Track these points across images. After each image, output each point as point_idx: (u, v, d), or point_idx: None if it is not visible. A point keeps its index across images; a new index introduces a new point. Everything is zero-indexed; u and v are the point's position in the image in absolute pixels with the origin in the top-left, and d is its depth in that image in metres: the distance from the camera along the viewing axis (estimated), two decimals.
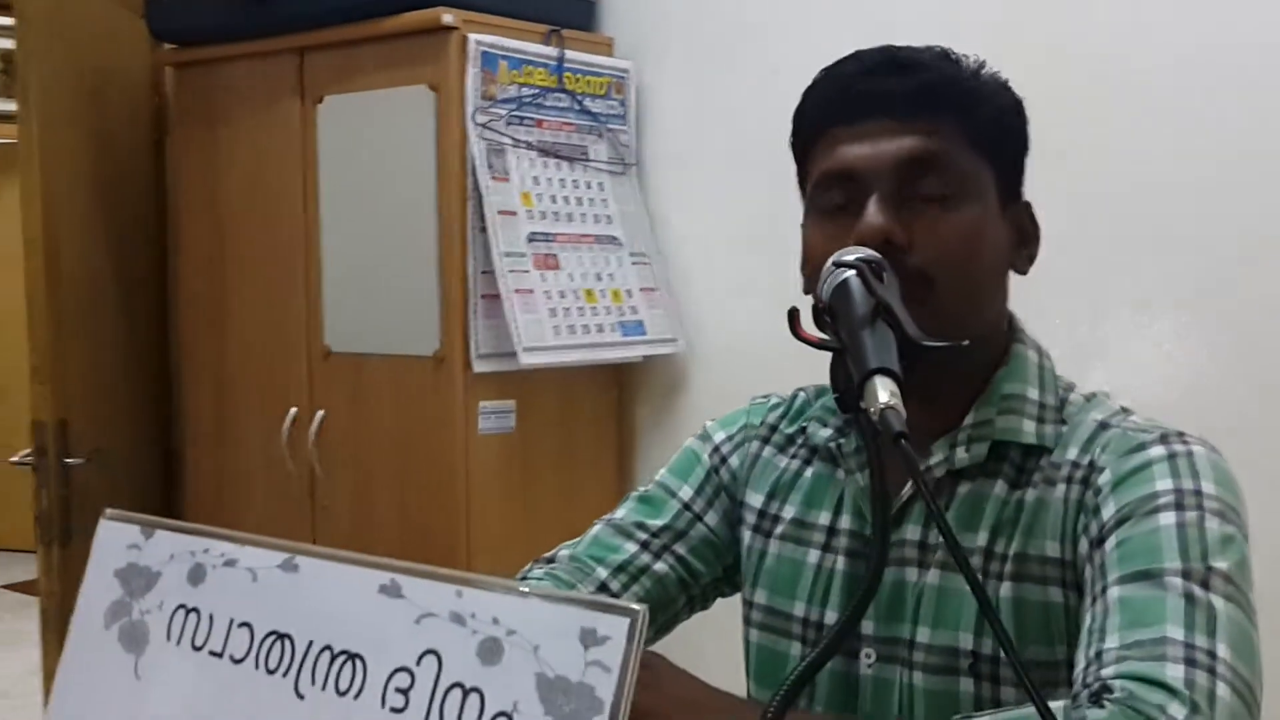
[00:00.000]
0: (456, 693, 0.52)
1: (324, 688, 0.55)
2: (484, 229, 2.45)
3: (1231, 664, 0.82)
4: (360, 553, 0.57)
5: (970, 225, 0.98)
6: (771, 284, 2.55)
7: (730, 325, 2.60)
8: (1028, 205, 1.03)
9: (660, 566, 1.12)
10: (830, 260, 0.92)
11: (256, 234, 2.90)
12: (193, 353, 3.12)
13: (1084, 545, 0.95)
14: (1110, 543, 0.92)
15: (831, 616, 1.05)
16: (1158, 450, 0.95)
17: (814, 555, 1.09)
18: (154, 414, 3.23)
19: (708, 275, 2.68)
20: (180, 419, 3.15)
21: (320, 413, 2.78)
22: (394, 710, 0.53)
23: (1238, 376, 2.02)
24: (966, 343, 0.89)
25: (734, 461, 1.17)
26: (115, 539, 0.65)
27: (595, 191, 2.62)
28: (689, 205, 2.69)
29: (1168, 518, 0.91)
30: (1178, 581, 0.87)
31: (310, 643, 0.56)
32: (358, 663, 0.55)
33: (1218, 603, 0.86)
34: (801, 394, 1.18)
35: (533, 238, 2.44)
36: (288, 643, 0.57)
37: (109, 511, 0.67)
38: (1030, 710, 0.82)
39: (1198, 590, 0.86)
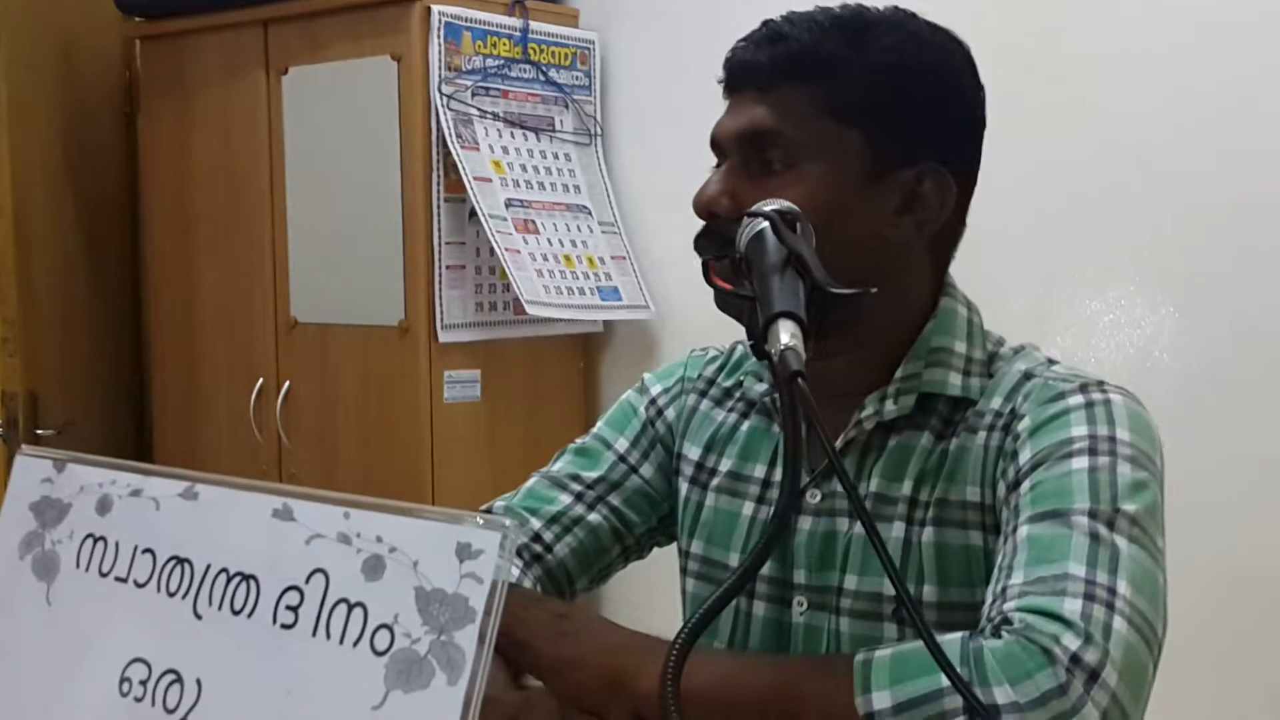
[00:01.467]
0: (342, 608, 0.54)
1: (220, 608, 0.57)
2: (449, 199, 2.46)
3: (1131, 600, 0.84)
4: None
5: (804, 191, 0.99)
6: None
7: (696, 294, 2.62)
8: (934, 170, 1.02)
9: (594, 517, 1.15)
10: (746, 212, 0.94)
11: (223, 206, 2.90)
12: (162, 324, 3.13)
13: (1002, 489, 0.98)
14: (1025, 485, 0.94)
15: (767, 565, 1.07)
16: (1076, 399, 0.98)
17: (749, 507, 1.11)
18: (124, 386, 3.24)
19: (674, 244, 2.70)
20: (150, 390, 3.16)
21: (287, 383, 2.80)
22: (284, 626, 0.55)
23: (1183, 344, 2.05)
24: (874, 290, 0.91)
25: (670, 414, 1.19)
26: (30, 473, 0.67)
27: (563, 162, 2.63)
28: (654, 175, 2.71)
29: (1080, 462, 0.93)
30: (1084, 521, 0.89)
31: (208, 566, 0.58)
32: (251, 583, 0.57)
33: (1121, 543, 0.88)
34: (740, 347, 1.20)
35: (510, 203, 2.46)
36: (187, 567, 0.59)
37: (25, 448, 0.69)
38: (941, 637, 0.85)
39: (1103, 530, 0.88)
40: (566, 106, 2.68)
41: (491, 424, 2.64)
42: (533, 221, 2.49)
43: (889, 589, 1.01)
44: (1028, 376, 1.03)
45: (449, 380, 2.59)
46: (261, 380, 2.85)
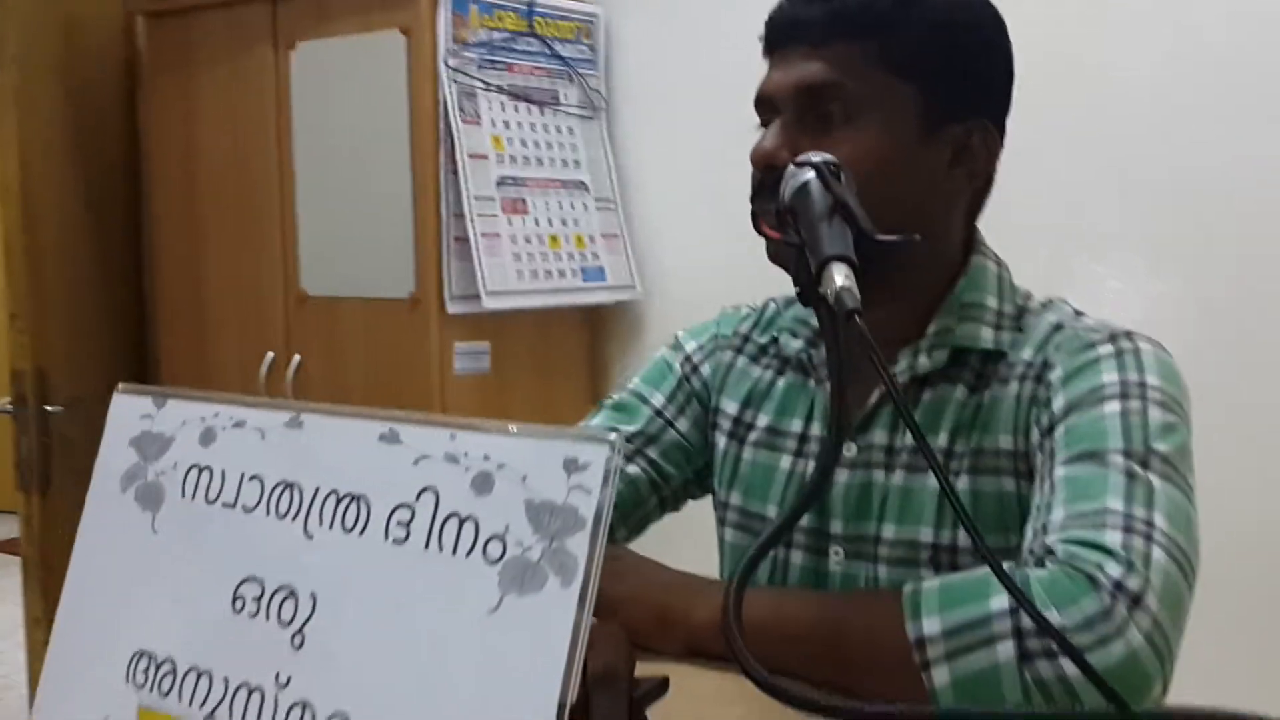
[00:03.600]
0: (453, 522, 0.57)
1: (331, 527, 0.61)
2: (455, 172, 2.49)
3: (1167, 532, 0.89)
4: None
5: (867, 148, 1.03)
6: (733, 230, 2.61)
7: (691, 271, 2.66)
8: (982, 125, 1.07)
9: (633, 469, 1.18)
10: (791, 163, 0.97)
11: (232, 181, 2.93)
12: (170, 300, 3.15)
13: (1035, 435, 1.02)
14: (1059, 430, 0.99)
15: (804, 517, 1.11)
16: (1106, 348, 1.02)
17: (786, 461, 1.15)
18: (132, 361, 3.26)
19: (671, 220, 2.73)
20: (157, 366, 3.19)
21: (297, 356, 2.83)
22: (396, 541, 0.59)
23: (1185, 314, 2.10)
24: (919, 237, 0.95)
25: (705, 370, 1.23)
26: (129, 410, 0.70)
27: (565, 136, 2.66)
28: (655, 150, 2.75)
29: (1112, 406, 0.98)
30: (1120, 460, 0.93)
31: (317, 489, 0.62)
32: (361, 503, 0.60)
33: (1156, 481, 0.92)
34: (771, 304, 1.24)
35: (502, 181, 2.49)
36: (296, 490, 0.62)
37: (122, 386, 0.72)
38: (978, 570, 0.89)
39: (1138, 468, 0.93)
40: (571, 80, 2.71)
41: (501, 396, 2.68)
42: (523, 200, 2.52)
43: (925, 536, 1.05)
44: (1057, 328, 1.07)
45: (459, 352, 2.63)
46: (272, 354, 2.88)
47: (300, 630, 0.60)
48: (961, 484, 1.04)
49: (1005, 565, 0.87)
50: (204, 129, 2.97)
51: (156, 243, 3.18)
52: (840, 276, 0.85)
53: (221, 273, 3.02)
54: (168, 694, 0.64)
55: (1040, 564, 0.88)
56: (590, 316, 2.84)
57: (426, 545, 0.58)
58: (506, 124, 2.54)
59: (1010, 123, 1.11)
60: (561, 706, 0.52)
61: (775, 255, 1.04)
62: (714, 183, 2.62)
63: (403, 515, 0.59)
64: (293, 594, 0.61)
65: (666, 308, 2.72)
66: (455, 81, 2.49)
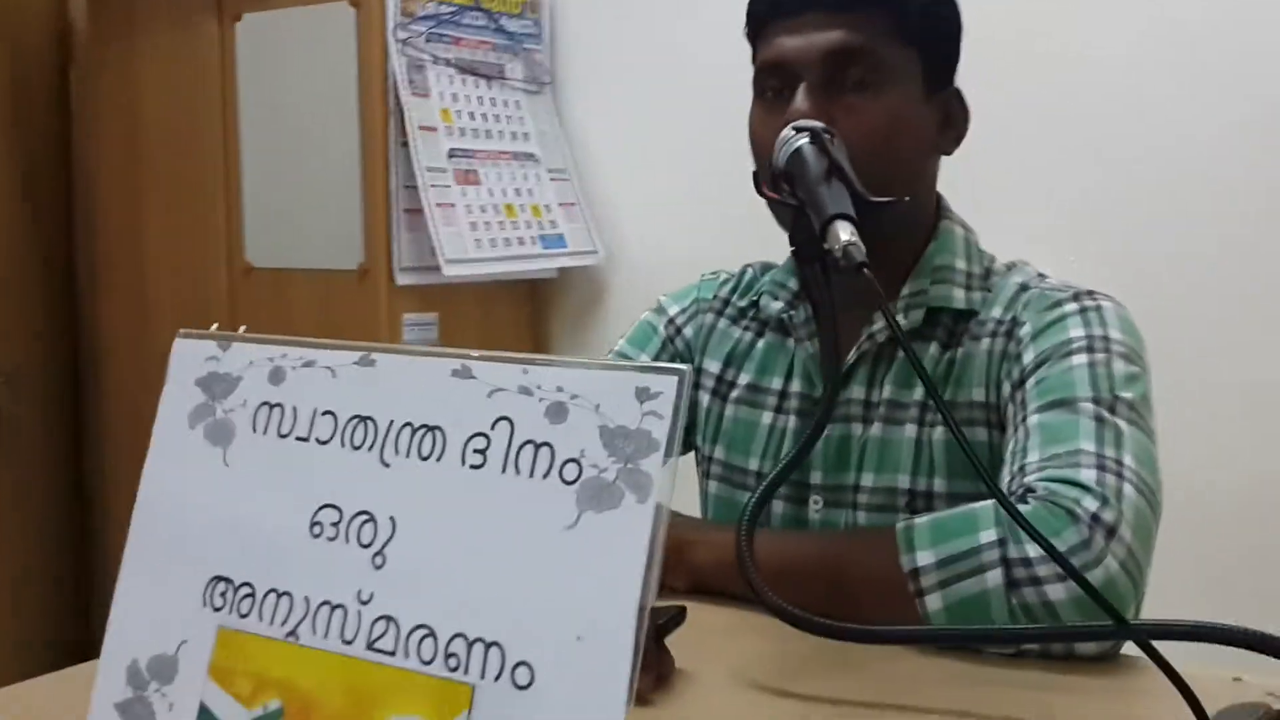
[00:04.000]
0: (529, 448, 0.62)
1: (407, 455, 0.66)
2: (405, 144, 2.52)
3: (1136, 470, 0.97)
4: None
5: (891, 110, 1.10)
6: (688, 198, 2.67)
7: (649, 239, 2.72)
8: (957, 91, 1.16)
9: None
10: (787, 128, 1.04)
11: (174, 153, 2.92)
12: (109, 272, 3.14)
13: (1007, 388, 1.10)
14: (1030, 382, 1.07)
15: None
16: (1071, 305, 1.11)
17: (767, 417, 1.22)
18: (68, 333, 3.24)
19: (625, 191, 2.78)
20: (95, 337, 3.17)
21: (243, 328, 2.83)
22: (473, 467, 0.64)
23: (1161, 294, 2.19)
24: (908, 199, 1.02)
25: (688, 332, 1.30)
26: (192, 354, 0.75)
27: (512, 109, 2.70)
28: (605, 123, 2.79)
29: (1080, 359, 1.06)
30: (1089, 406, 1.01)
31: (391, 421, 0.66)
32: (436, 433, 0.65)
33: (1123, 424, 1.01)
34: (749, 270, 1.31)
35: (453, 153, 2.52)
36: (370, 424, 0.67)
37: (183, 331, 0.76)
38: (971, 505, 0.97)
39: (1106, 414, 1.01)
40: (516, 55, 2.74)
41: None
42: (475, 172, 2.56)
43: (903, 483, 1.12)
44: (1024, 288, 1.15)
45: (407, 324, 2.66)
46: (215, 326, 2.86)
47: (380, 551, 0.65)
48: (937, 435, 1.12)
49: (988, 504, 0.95)
50: (145, 101, 2.96)
51: (95, 215, 3.17)
52: (845, 233, 0.91)
53: (163, 245, 3.01)
54: (247, 615, 0.68)
55: (1023, 500, 0.95)
56: (537, 289, 2.88)
57: (503, 470, 0.63)
58: (455, 97, 2.58)
59: (985, 101, 1.18)
60: (641, 609, 0.58)
61: (776, 217, 1.10)
62: (664, 154, 2.67)
63: (478, 444, 0.64)
64: (371, 518, 0.66)
65: (622, 276, 2.77)
66: (404, 55, 2.51)
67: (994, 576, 0.92)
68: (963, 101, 1.17)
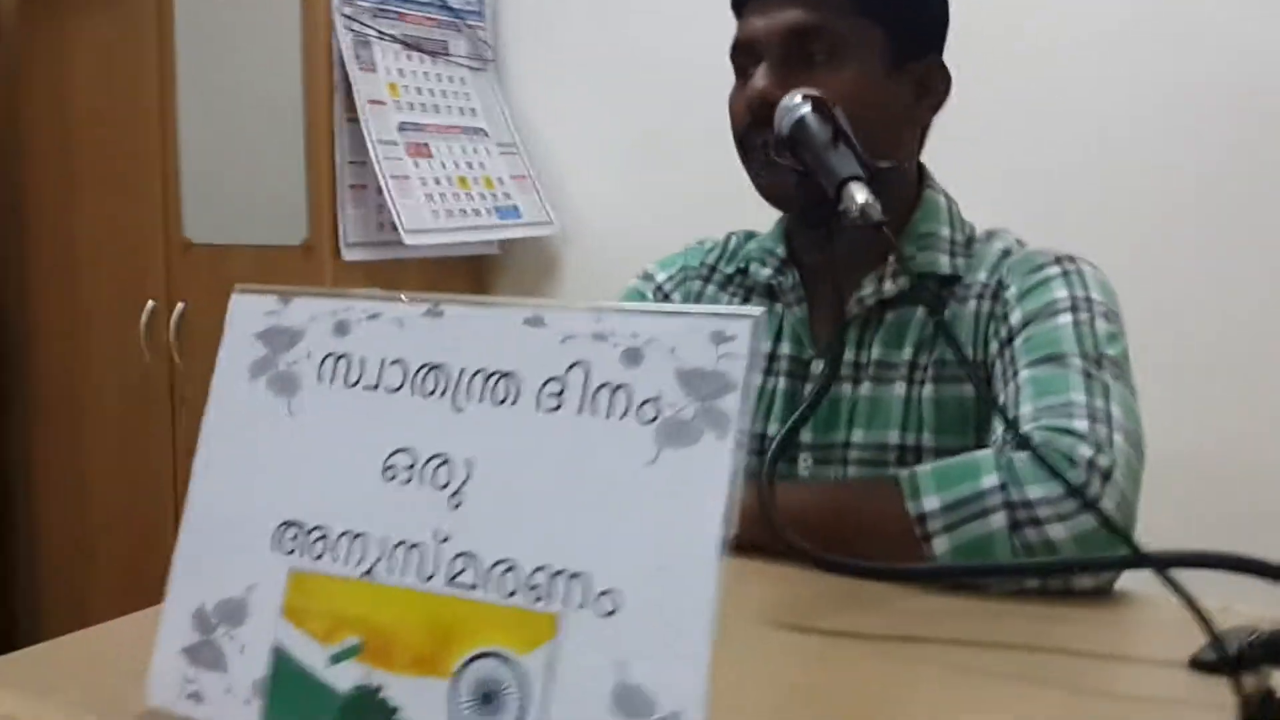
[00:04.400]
0: (605, 391, 0.66)
1: (481, 400, 0.68)
2: (351, 119, 2.52)
3: (1123, 421, 1.03)
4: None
5: (850, 83, 1.15)
6: (637, 169, 2.71)
7: (596, 213, 2.75)
8: (938, 61, 1.21)
9: None
10: (788, 96, 1.08)
11: (108, 127, 2.89)
12: (38, 253, 3.09)
13: (994, 346, 1.16)
14: (1018, 340, 1.13)
15: (774, 428, 1.23)
16: (1054, 269, 1.17)
17: (756, 379, 1.26)
18: None
19: (571, 165, 2.81)
20: (23, 311, 3.12)
21: (180, 305, 2.82)
22: (549, 410, 0.67)
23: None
24: (905, 165, 1.07)
25: (676, 298, 1.34)
26: (251, 308, 0.77)
27: (458, 85, 2.72)
28: (550, 98, 2.82)
29: (1065, 318, 1.12)
30: (1078, 362, 1.07)
31: (462, 369, 0.69)
32: (510, 379, 0.68)
33: (1109, 379, 1.07)
34: (734, 237, 1.35)
35: (403, 126, 2.53)
36: (441, 372, 0.70)
37: (239, 286, 0.78)
38: (971, 454, 1.02)
39: (1093, 369, 1.07)
40: (460, 31, 2.75)
41: None
42: (426, 145, 2.57)
43: (893, 439, 1.18)
44: (1006, 253, 1.21)
45: None
46: (152, 303, 2.86)
47: (457, 492, 0.68)
48: (926, 392, 1.17)
49: (988, 452, 1.00)
50: (77, 75, 2.93)
51: (23, 193, 3.12)
52: (861, 194, 0.96)
53: (96, 220, 2.98)
54: (320, 557, 0.71)
55: (1020, 447, 1.01)
56: (483, 265, 2.90)
57: (579, 412, 0.66)
58: (401, 72, 2.59)
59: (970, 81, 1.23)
60: (723, 540, 0.62)
61: (771, 184, 1.14)
62: (613, 128, 2.70)
63: (553, 388, 0.67)
64: (447, 461, 0.69)
65: (575, 248, 2.80)
66: (349, 30, 2.52)
67: (998, 519, 0.97)
68: (944, 71, 1.22)
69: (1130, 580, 0.98)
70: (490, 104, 2.76)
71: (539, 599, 0.65)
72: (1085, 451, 0.99)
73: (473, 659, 0.66)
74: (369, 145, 2.44)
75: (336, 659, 0.69)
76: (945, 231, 1.23)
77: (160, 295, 2.83)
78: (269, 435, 0.74)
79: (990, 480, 0.99)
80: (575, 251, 2.82)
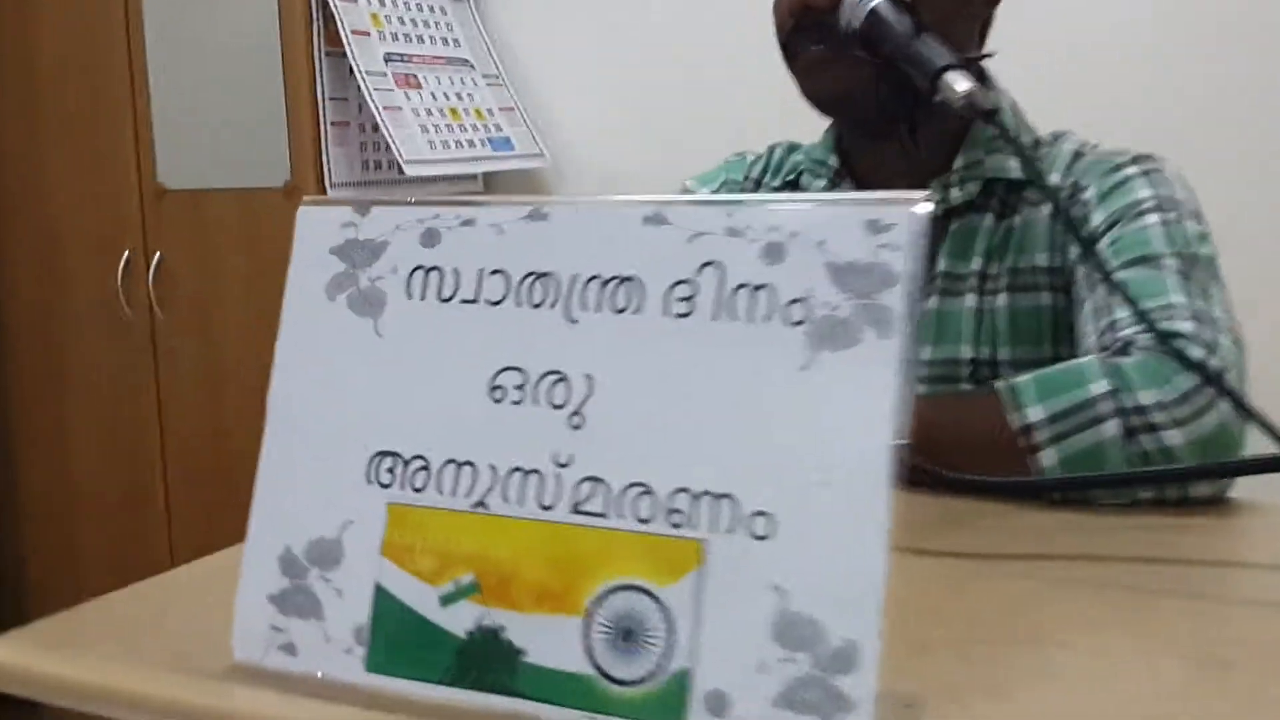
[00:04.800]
0: (744, 292, 0.59)
1: (598, 310, 0.62)
2: (331, 52, 2.43)
3: (1227, 322, 0.98)
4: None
5: None
6: (623, 98, 2.63)
7: (585, 144, 2.67)
8: None
9: None
10: None
11: (75, 69, 2.78)
12: (6, 200, 2.99)
13: (1074, 252, 1.10)
14: (1104, 242, 1.07)
15: None
16: (1133, 168, 1.12)
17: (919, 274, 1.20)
18: None
19: (562, 93, 2.73)
20: None
21: (158, 254, 2.72)
22: (678, 316, 0.60)
23: None
24: (988, 56, 1.01)
25: None
26: (324, 221, 0.70)
27: (439, 15, 2.62)
28: (531, 27, 2.73)
29: (1153, 218, 1.07)
30: (1172, 262, 1.02)
31: (574, 276, 0.63)
32: (632, 284, 0.61)
33: (1206, 280, 1.02)
34: (777, 149, 1.29)
35: (389, 58, 2.44)
36: (550, 280, 0.63)
37: (307, 199, 0.71)
38: (1072, 360, 0.96)
39: (1190, 269, 1.02)
40: None
41: None
42: (414, 76, 2.48)
43: (965, 354, 1.13)
44: (1078, 155, 1.16)
45: None
46: (128, 253, 2.76)
47: (578, 411, 0.62)
48: (1000, 302, 1.12)
49: (1092, 359, 0.95)
50: (41, 17, 2.81)
51: None
52: (962, 82, 0.90)
53: (66, 169, 2.88)
54: (422, 489, 0.64)
55: (1123, 353, 0.95)
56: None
57: (715, 316, 0.60)
58: (382, 1, 2.49)
59: None
60: (892, 448, 0.56)
61: (834, 85, 1.07)
62: (599, 53, 2.63)
63: (683, 291, 0.61)
64: (563, 378, 0.62)
65: (568, 178, 2.72)
66: None
67: (1110, 427, 0.92)
68: None
69: (1241, 487, 0.93)
70: (472, 34, 2.67)
71: (680, 524, 0.59)
72: (1196, 352, 0.93)
73: (607, 593, 0.60)
74: (358, 76, 2.35)
75: (449, 599, 0.63)
76: (1012, 134, 1.17)
77: (137, 245, 2.73)
78: (354, 359, 0.67)
79: (1099, 386, 0.93)
80: (561, 184, 2.74)
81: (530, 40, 2.75)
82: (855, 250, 0.58)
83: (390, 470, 0.65)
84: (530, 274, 0.64)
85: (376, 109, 2.35)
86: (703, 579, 0.58)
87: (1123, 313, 1.00)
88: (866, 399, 0.56)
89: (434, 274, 0.66)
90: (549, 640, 0.60)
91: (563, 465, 0.62)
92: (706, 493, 0.59)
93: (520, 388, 0.63)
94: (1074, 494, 0.93)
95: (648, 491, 0.60)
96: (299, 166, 2.48)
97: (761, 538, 0.57)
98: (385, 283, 0.67)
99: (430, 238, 0.67)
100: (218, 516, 2.75)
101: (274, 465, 0.69)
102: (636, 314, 0.61)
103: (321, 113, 2.43)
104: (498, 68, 2.69)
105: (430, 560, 0.64)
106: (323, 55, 2.42)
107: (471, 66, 2.63)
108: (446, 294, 0.66)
